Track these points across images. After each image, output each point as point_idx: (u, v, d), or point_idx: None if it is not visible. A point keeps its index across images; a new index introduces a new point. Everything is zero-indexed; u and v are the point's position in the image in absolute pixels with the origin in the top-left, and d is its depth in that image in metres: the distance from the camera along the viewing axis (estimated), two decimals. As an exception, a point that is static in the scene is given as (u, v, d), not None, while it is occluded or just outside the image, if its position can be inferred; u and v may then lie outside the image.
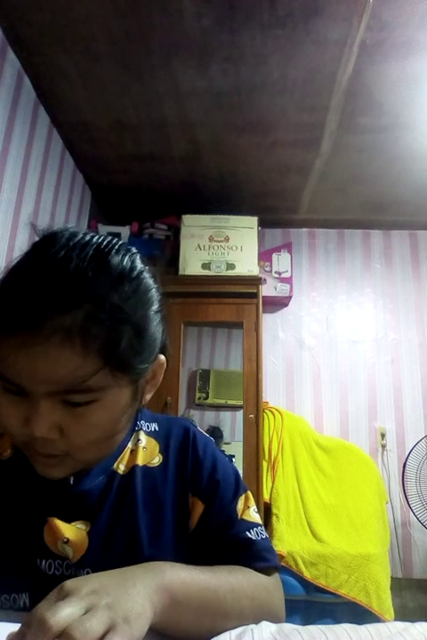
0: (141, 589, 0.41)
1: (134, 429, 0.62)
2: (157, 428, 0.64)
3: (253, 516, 0.60)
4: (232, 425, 2.59)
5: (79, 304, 0.43)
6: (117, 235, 2.29)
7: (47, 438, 0.45)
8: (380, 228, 2.87)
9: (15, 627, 0.36)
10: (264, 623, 0.46)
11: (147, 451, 0.61)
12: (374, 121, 1.94)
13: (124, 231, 2.44)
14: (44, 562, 0.52)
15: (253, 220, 2.39)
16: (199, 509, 0.58)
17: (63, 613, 0.34)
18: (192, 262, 2.32)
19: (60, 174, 2.16)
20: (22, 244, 1.79)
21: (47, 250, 0.46)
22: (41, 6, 1.45)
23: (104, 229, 2.45)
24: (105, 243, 0.49)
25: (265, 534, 0.60)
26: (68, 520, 0.53)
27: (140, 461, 0.59)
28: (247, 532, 0.58)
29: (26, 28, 1.54)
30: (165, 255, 2.44)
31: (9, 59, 1.63)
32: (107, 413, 0.47)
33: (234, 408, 2.59)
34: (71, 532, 0.53)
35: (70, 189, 2.28)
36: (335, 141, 2.07)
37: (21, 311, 0.42)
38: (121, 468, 0.58)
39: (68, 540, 0.52)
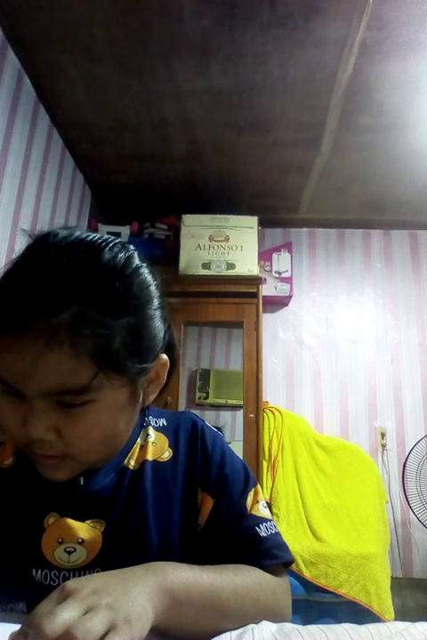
0: (143, 590, 0.41)
1: (143, 425, 0.61)
2: (165, 423, 0.63)
3: (262, 511, 0.60)
4: (232, 425, 2.60)
5: (68, 304, 0.42)
6: (117, 234, 2.29)
7: (44, 440, 0.45)
8: (380, 227, 2.87)
9: (16, 627, 0.36)
10: (265, 623, 0.46)
11: (156, 445, 0.60)
12: (374, 121, 1.94)
13: (124, 231, 2.44)
14: (39, 572, 0.51)
15: (253, 220, 2.39)
16: (209, 505, 0.58)
17: (59, 619, 0.34)
18: (192, 262, 2.32)
19: (60, 174, 2.16)
20: (22, 245, 1.77)
21: (38, 250, 0.46)
22: (41, 6, 1.45)
23: (104, 229, 2.45)
24: (99, 240, 0.47)
25: (275, 529, 0.59)
26: (81, 520, 0.53)
27: (149, 456, 0.59)
28: (256, 528, 0.57)
29: (26, 28, 1.54)
30: (166, 255, 2.45)
31: (9, 59, 1.63)
32: (103, 414, 0.46)
33: (234, 408, 2.59)
34: (86, 531, 0.52)
35: (70, 189, 2.28)
36: (335, 141, 2.07)
37: (10, 313, 0.42)
38: (132, 463, 0.58)
39: (83, 540, 0.52)
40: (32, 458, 0.50)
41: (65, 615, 0.34)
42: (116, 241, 0.49)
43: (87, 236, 0.47)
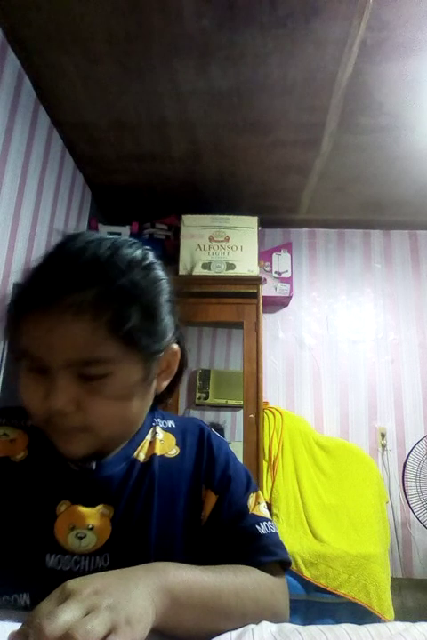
0: (144, 590, 0.41)
1: (152, 425, 0.64)
2: (173, 425, 0.66)
3: (263, 511, 0.62)
4: (232, 425, 2.59)
5: (91, 284, 0.48)
6: (117, 234, 2.29)
7: (64, 411, 0.48)
8: (380, 228, 2.87)
9: (16, 626, 0.36)
10: (264, 623, 0.46)
11: (164, 443, 0.63)
12: (374, 121, 1.94)
13: (125, 231, 2.44)
14: (53, 557, 0.53)
15: (253, 220, 2.39)
16: (212, 501, 0.60)
17: (60, 620, 0.34)
18: (192, 262, 2.32)
19: (60, 174, 2.16)
20: (22, 244, 1.78)
21: (68, 243, 0.52)
22: (41, 6, 1.45)
23: (104, 229, 2.45)
24: (120, 240, 0.55)
25: (275, 529, 0.61)
26: (92, 506, 0.55)
27: (158, 451, 0.61)
28: (257, 526, 0.59)
29: (26, 28, 1.54)
30: (166, 255, 2.45)
31: (9, 59, 1.63)
32: (119, 388, 0.50)
33: (234, 408, 2.59)
34: (95, 518, 0.54)
35: (70, 189, 2.28)
36: (335, 141, 2.07)
37: (40, 290, 0.48)
38: (141, 456, 0.60)
39: (92, 526, 0.54)
40: (51, 435, 0.52)
41: (65, 616, 0.34)
42: (135, 241, 0.57)
43: (110, 237, 0.55)
